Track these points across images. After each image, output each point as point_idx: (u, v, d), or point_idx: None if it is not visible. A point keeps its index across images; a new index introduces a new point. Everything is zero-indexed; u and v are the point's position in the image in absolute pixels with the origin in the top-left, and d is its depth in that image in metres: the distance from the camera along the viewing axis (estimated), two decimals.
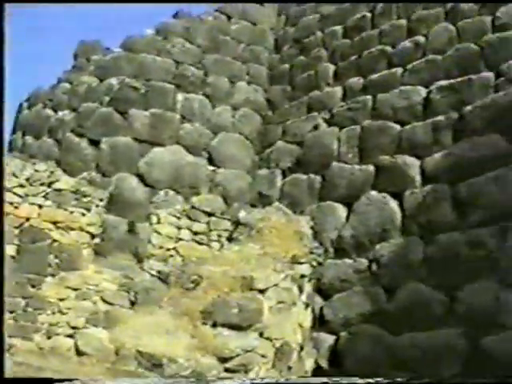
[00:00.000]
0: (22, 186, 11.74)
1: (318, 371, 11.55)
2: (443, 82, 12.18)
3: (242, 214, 13.40)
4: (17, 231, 11.48)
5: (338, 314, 11.76)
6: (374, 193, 12.27)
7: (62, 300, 11.55)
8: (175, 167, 14.19)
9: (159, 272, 12.24)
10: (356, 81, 14.19)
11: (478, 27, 12.26)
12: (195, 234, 13.49)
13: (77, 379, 8.46)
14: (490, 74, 11.53)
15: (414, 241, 11.18)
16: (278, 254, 11.93)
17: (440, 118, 11.83)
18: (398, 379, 8.99)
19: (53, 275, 11.60)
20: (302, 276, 12.07)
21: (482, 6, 12.43)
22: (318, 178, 13.58)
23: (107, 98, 14.38)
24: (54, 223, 11.88)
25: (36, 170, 12.09)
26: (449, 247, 10.54)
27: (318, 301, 12.20)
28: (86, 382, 8.70)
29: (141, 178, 13.83)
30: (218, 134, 15.20)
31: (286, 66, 16.70)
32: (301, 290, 12.00)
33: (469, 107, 11.44)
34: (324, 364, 11.61)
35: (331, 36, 15.83)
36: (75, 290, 11.70)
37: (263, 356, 10.65)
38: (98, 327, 11.41)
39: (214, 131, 15.18)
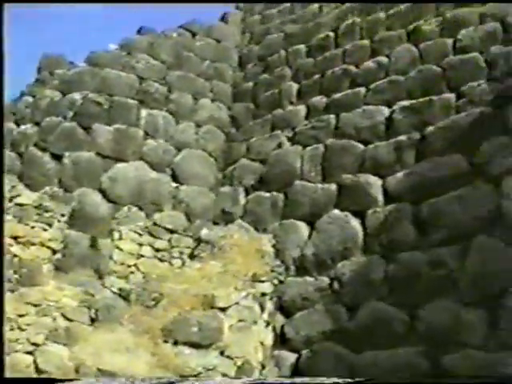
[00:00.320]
0: None
1: None
2: (406, 103, 12.32)
3: (204, 232, 13.38)
4: None
5: (299, 332, 11.74)
6: (336, 211, 12.31)
7: (21, 316, 11.33)
8: (138, 183, 14.08)
9: (120, 289, 12.12)
10: (319, 100, 14.27)
11: (440, 49, 12.47)
12: (157, 250, 13.38)
13: (78, 379, 8.39)
14: (452, 95, 11.70)
15: (375, 259, 11.23)
16: (239, 272, 11.91)
17: (402, 137, 11.94)
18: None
19: (12, 291, 11.41)
20: (264, 294, 12.06)
21: (444, 28, 12.66)
22: (281, 196, 13.59)
23: (70, 113, 14.26)
24: (15, 238, 11.73)
25: None
26: (410, 266, 10.60)
27: (280, 319, 12.16)
28: (86, 382, 8.64)
29: (103, 193, 13.69)
30: (181, 151, 15.15)
31: (250, 83, 16.75)
32: (262, 308, 11.98)
33: (431, 127, 11.58)
34: None
35: (295, 55, 15.94)
36: (35, 305, 11.50)
37: (224, 374, 10.60)
38: (58, 344, 11.24)
39: (178, 148, 15.12)
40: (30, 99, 14.82)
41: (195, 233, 13.66)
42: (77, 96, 14.47)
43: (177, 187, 14.67)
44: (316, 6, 16.69)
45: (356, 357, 10.71)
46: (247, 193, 14.55)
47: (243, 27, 18.59)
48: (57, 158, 13.75)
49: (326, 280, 11.83)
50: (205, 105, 16.23)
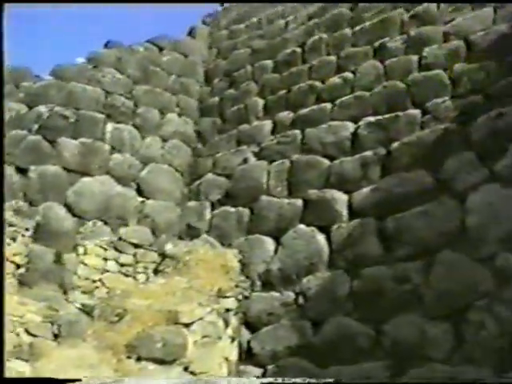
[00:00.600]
0: None
1: None
2: (371, 118, 12.43)
3: (168, 247, 13.32)
4: None
5: (265, 347, 11.69)
6: (302, 226, 12.33)
7: None
8: (104, 198, 13.98)
9: (83, 305, 11.99)
10: (285, 115, 14.33)
11: (405, 66, 12.63)
12: (122, 265, 13.27)
13: (78, 379, 8.29)
14: (417, 112, 11.83)
15: (340, 274, 11.23)
16: (204, 288, 11.86)
17: (368, 153, 12.02)
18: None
19: None
20: (228, 310, 12.00)
21: (409, 45, 12.81)
22: (247, 211, 13.58)
23: (36, 126, 14.13)
24: None
25: None
26: (375, 281, 10.62)
27: (245, 334, 12.12)
28: (88, 382, 8.53)
29: (69, 207, 13.56)
30: (147, 165, 15.10)
31: (216, 98, 16.80)
32: (227, 323, 11.91)
33: (396, 143, 11.68)
34: None
35: (261, 70, 16.03)
36: None
37: None
38: (21, 360, 11.09)
39: (144, 162, 15.08)
40: None
41: (160, 248, 13.58)
42: (43, 109, 14.36)
43: (142, 202, 14.59)
44: (283, 21, 16.82)
45: (321, 371, 10.66)
46: (213, 208, 14.51)
47: (210, 42, 18.69)
48: (22, 171, 13.59)
49: (291, 295, 11.80)
50: (171, 119, 16.23)
